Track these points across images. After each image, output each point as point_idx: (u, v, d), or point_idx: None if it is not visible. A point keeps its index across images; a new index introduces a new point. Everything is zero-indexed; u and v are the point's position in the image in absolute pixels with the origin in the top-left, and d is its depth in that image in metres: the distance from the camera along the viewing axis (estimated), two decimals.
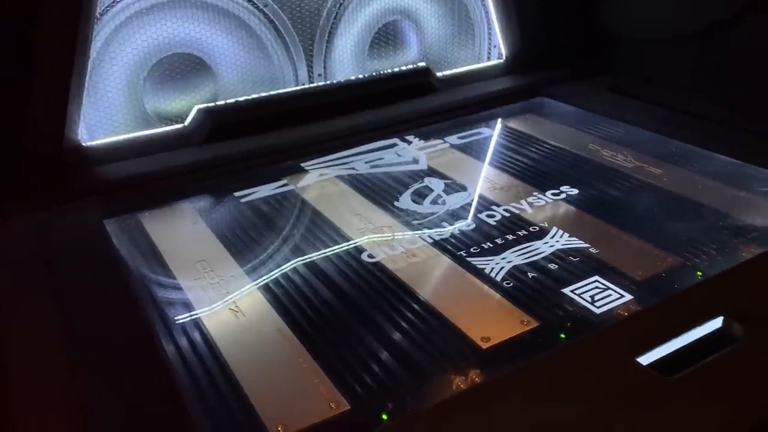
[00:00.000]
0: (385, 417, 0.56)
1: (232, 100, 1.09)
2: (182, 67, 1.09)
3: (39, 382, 0.59)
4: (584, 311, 0.66)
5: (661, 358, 0.58)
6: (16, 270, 0.76)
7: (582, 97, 1.22)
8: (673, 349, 0.59)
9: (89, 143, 1.00)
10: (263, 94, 1.11)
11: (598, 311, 0.66)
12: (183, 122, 1.06)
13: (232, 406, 0.57)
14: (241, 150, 1.03)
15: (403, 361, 0.62)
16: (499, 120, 1.18)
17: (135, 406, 0.56)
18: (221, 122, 1.05)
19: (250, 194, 0.95)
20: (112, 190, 0.94)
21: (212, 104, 1.07)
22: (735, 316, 0.61)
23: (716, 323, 0.62)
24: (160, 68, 1.07)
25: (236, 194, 0.95)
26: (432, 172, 1.00)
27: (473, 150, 1.07)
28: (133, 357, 0.62)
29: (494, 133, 1.13)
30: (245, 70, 1.14)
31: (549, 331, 0.64)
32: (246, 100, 1.09)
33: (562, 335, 0.64)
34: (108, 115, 1.05)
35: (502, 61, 1.33)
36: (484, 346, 0.63)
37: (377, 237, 0.82)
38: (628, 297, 0.68)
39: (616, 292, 0.68)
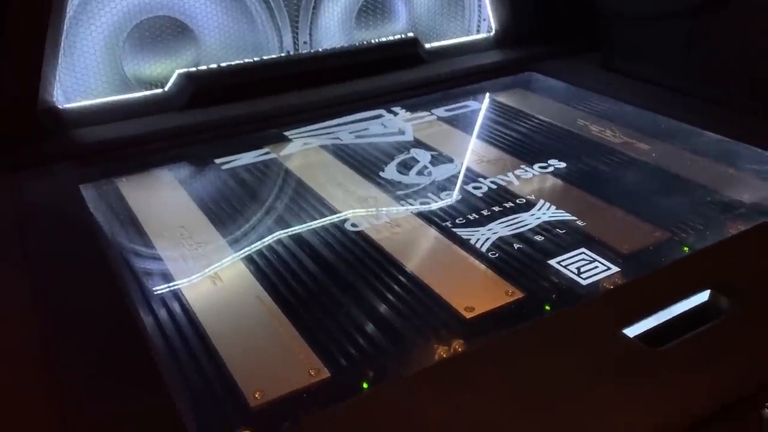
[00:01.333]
0: (365, 385, 0.55)
1: (214, 65, 1.06)
2: (164, 30, 1.05)
3: (7, 349, 0.58)
4: (570, 283, 0.65)
5: (647, 330, 0.58)
6: None
7: (571, 73, 1.21)
8: (660, 321, 0.59)
9: (65, 105, 0.97)
10: (247, 60, 1.08)
11: (584, 282, 0.65)
12: (163, 87, 1.03)
13: (209, 373, 0.56)
14: (223, 116, 1.01)
15: (386, 331, 0.60)
16: (487, 94, 1.16)
17: (109, 375, 0.54)
18: (203, 87, 1.03)
19: (231, 161, 0.93)
20: (89, 155, 0.91)
21: (194, 69, 1.04)
22: (721, 289, 0.61)
23: (703, 296, 0.61)
24: (141, 31, 1.03)
25: (217, 161, 0.93)
26: (418, 144, 0.98)
27: (460, 123, 1.05)
28: (107, 324, 0.60)
29: (482, 106, 1.12)
30: (228, 35, 1.10)
31: (534, 302, 0.63)
32: (229, 65, 1.06)
33: (547, 306, 0.63)
34: (85, 77, 1.01)
35: (491, 34, 1.31)
36: (468, 315, 0.61)
37: (361, 208, 0.80)
38: (614, 269, 0.67)
39: (602, 264, 0.67)
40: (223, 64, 1.06)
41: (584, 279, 0.65)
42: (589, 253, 0.69)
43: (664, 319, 0.59)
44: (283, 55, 1.12)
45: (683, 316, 0.60)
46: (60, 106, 0.97)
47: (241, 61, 1.08)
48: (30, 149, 0.90)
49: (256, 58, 1.09)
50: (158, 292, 0.66)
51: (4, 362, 0.56)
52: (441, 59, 1.23)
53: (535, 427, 0.48)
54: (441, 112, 1.09)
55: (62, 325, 0.60)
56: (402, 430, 0.48)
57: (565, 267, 0.67)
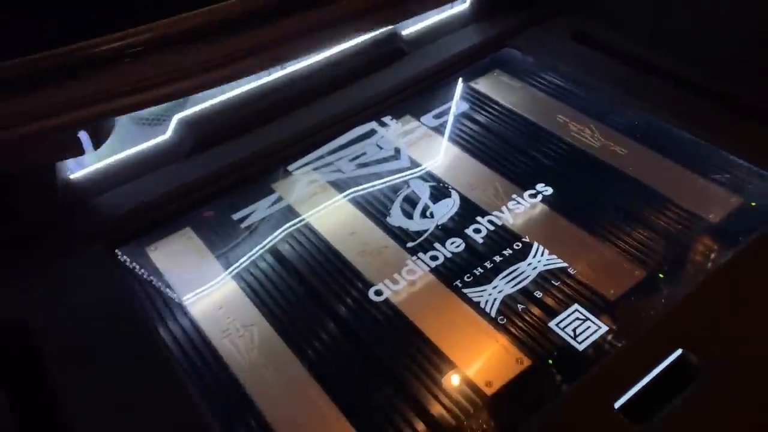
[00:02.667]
0: None
1: (207, 104, 1.09)
2: None
3: None
4: (568, 347, 0.79)
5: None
6: None
7: (545, 50, 1.25)
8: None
9: (76, 174, 1.01)
10: (239, 93, 1.11)
11: (580, 348, 0.78)
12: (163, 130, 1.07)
13: None
14: (230, 159, 1.05)
15: (419, 411, 0.74)
16: (470, 85, 1.21)
17: None
18: (204, 130, 1.07)
19: (247, 216, 1.00)
20: (116, 228, 0.98)
21: (191, 112, 1.07)
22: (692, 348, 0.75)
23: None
24: None
25: (234, 217, 1.00)
26: (414, 166, 1.06)
27: (448, 132, 1.12)
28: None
29: (466, 106, 1.17)
30: None
31: (541, 369, 0.77)
32: (222, 102, 1.09)
33: (555, 372, 0.77)
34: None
35: (466, 6, 1.32)
36: (489, 392, 0.76)
37: (382, 270, 0.90)
38: (604, 327, 0.80)
39: (593, 323, 0.81)
40: (216, 101, 1.09)
41: (580, 343, 0.79)
42: (582, 310, 0.82)
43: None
44: (269, 79, 1.14)
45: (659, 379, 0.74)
46: (71, 176, 1.01)
47: (234, 95, 1.10)
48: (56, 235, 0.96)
49: (244, 89, 1.11)
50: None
51: None
52: (421, 47, 1.25)
53: None
54: (429, 119, 1.14)
55: None
56: None
57: (563, 329, 0.80)
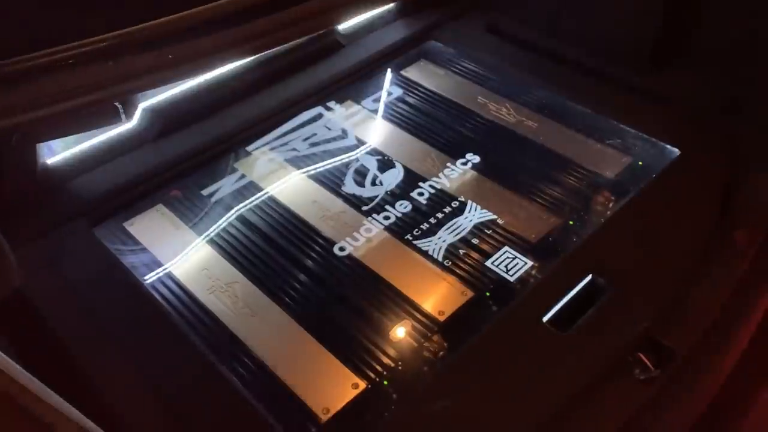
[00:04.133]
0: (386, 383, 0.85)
1: (168, 94, 1.19)
2: None
3: None
4: (503, 280, 0.96)
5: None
6: None
7: (464, 41, 1.43)
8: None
9: (51, 159, 1.10)
10: (199, 82, 1.22)
11: (512, 279, 0.96)
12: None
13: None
14: (194, 142, 1.17)
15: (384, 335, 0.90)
16: (401, 73, 1.37)
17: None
18: (168, 118, 1.17)
19: (215, 191, 1.12)
20: (95, 206, 1.07)
21: (155, 101, 1.17)
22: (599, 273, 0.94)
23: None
24: None
25: (204, 192, 1.12)
26: (361, 144, 1.21)
27: (387, 113, 1.28)
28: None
29: (400, 91, 1.33)
30: None
31: (482, 298, 0.94)
32: (182, 91, 1.20)
33: (490, 301, 0.94)
34: None
35: (393, 4, 1.48)
36: (441, 318, 0.92)
37: (338, 224, 1.05)
38: (530, 263, 0.98)
39: (521, 260, 0.99)
40: (176, 91, 1.20)
41: (511, 276, 0.97)
42: (511, 251, 1.00)
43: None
44: (223, 71, 1.25)
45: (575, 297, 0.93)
46: (48, 161, 1.09)
47: (192, 84, 1.21)
48: (40, 211, 1.04)
49: (201, 79, 1.23)
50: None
51: None
52: (356, 40, 1.40)
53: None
54: (369, 103, 1.30)
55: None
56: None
57: (497, 267, 0.98)
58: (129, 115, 0.79)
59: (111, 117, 0.75)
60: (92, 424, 0.46)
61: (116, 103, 0.73)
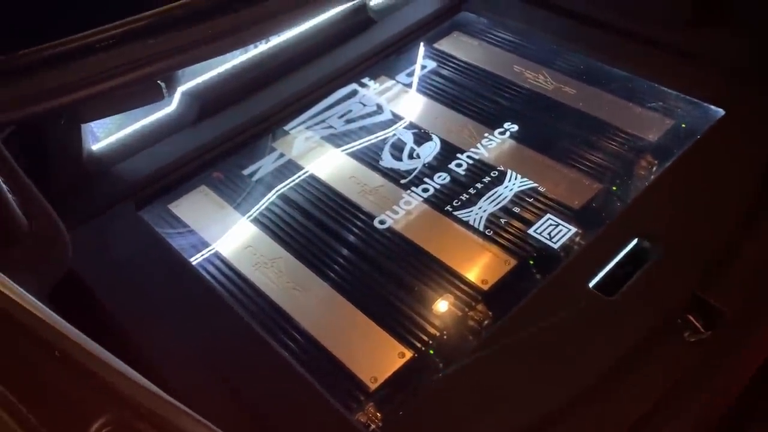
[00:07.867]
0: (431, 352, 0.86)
1: (206, 77, 1.21)
2: None
3: None
4: (547, 247, 0.95)
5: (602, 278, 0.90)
6: None
7: (497, 11, 1.41)
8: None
9: (96, 146, 1.12)
10: (235, 64, 1.23)
11: (556, 246, 0.95)
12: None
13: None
14: (233, 124, 1.18)
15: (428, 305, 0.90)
16: (434, 46, 1.36)
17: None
18: (207, 101, 1.19)
19: (256, 171, 1.13)
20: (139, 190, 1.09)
21: (193, 85, 1.19)
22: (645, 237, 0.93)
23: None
24: None
25: (244, 172, 1.13)
26: (397, 119, 1.20)
27: (422, 87, 1.27)
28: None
29: (434, 64, 1.32)
30: None
31: (526, 266, 0.94)
32: (220, 74, 1.21)
33: (534, 269, 0.93)
34: None
35: None
36: (485, 288, 0.92)
37: (377, 198, 1.06)
38: (573, 229, 0.97)
39: (564, 227, 0.98)
40: (213, 74, 1.21)
41: (555, 243, 0.96)
42: (554, 218, 0.99)
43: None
44: (256, 53, 1.26)
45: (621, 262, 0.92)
46: (93, 147, 1.12)
47: (228, 67, 1.23)
48: (87, 197, 1.07)
49: (236, 62, 1.24)
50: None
51: None
52: (387, 15, 1.40)
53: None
54: (403, 77, 1.29)
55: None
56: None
57: (540, 234, 0.97)
58: (171, 93, 0.81)
59: (154, 95, 0.77)
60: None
61: (158, 81, 0.74)
